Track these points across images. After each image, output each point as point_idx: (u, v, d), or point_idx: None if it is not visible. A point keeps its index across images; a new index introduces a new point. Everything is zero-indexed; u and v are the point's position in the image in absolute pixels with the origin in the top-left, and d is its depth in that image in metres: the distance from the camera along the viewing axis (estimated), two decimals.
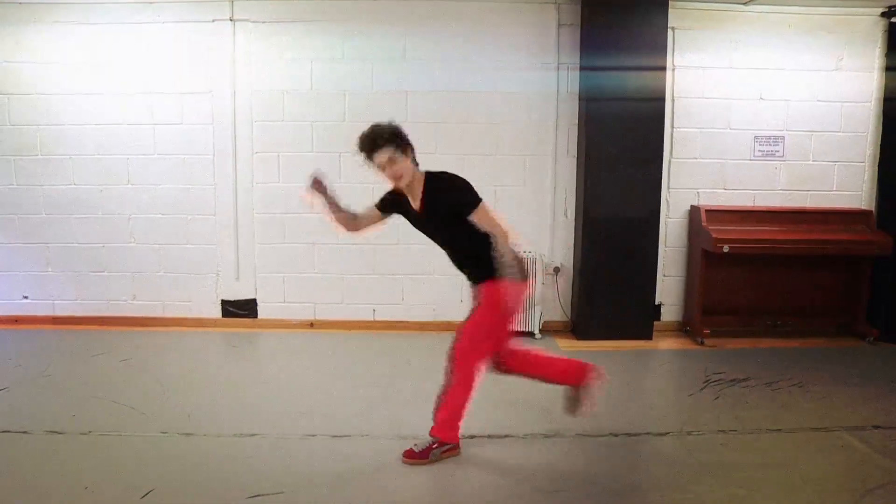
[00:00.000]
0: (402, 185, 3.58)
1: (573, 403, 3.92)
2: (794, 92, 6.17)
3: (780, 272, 6.13)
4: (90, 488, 3.33)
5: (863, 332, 6.08)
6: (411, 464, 3.64)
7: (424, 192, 3.61)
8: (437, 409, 3.72)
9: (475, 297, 3.72)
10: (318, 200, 3.76)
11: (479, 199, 3.54)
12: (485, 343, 3.67)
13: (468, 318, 3.70)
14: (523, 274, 3.62)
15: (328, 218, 3.83)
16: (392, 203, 3.79)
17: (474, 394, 3.68)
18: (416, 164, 3.65)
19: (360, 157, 3.58)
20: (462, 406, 3.69)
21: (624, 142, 5.79)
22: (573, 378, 3.90)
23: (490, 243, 3.52)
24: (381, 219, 3.88)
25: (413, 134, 6.08)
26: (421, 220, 3.71)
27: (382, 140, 3.51)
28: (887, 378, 5.11)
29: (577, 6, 5.98)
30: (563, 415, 4.27)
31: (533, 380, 3.95)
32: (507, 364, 3.85)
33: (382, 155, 3.51)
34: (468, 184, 3.58)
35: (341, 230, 3.87)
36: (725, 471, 3.60)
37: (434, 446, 3.69)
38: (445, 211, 3.58)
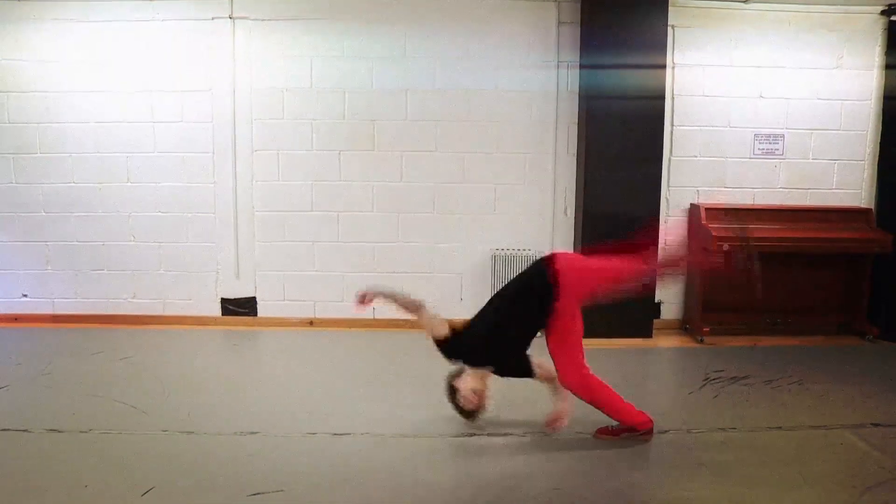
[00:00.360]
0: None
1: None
2: (793, 90, 6.17)
3: (780, 270, 6.12)
4: (90, 486, 3.33)
5: (863, 330, 6.08)
6: (601, 438, 3.91)
7: None
8: (618, 425, 3.94)
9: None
10: (377, 303, 4.04)
11: None
12: (575, 349, 3.88)
13: (555, 341, 3.88)
14: None
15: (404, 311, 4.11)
16: None
17: (609, 388, 3.90)
18: None
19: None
20: (618, 403, 3.91)
21: (624, 140, 5.79)
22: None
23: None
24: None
25: (413, 132, 6.17)
26: None
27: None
28: (887, 376, 5.11)
29: (577, 4, 5.98)
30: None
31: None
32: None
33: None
34: None
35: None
36: (725, 469, 3.60)
37: (624, 432, 3.91)
38: None
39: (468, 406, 3.91)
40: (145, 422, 4.12)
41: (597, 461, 3.70)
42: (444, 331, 3.94)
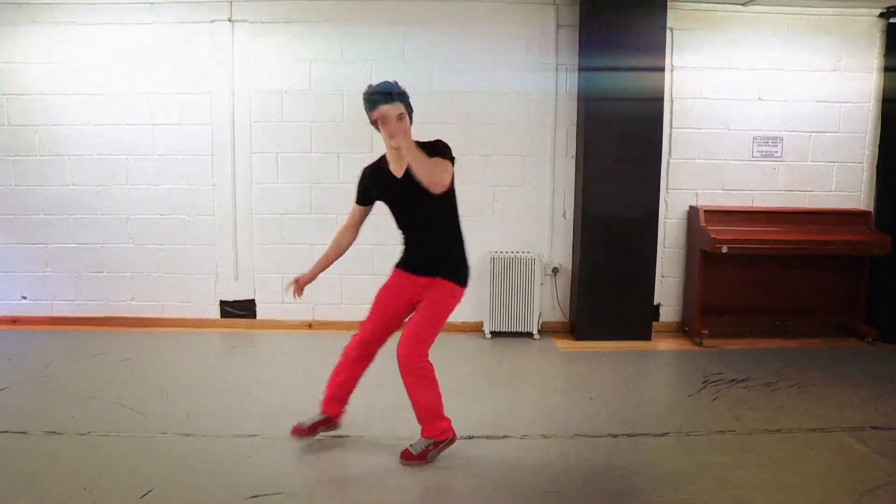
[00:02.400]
0: (402, 143, 3.41)
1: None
2: (792, 92, 6.17)
3: (779, 272, 6.14)
4: (89, 489, 3.33)
5: (862, 332, 6.08)
6: (409, 465, 3.64)
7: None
8: (418, 414, 3.71)
9: (413, 288, 3.69)
10: (309, 280, 3.95)
11: (453, 159, 3.51)
12: (430, 340, 3.64)
13: (414, 317, 3.66)
14: (467, 278, 3.72)
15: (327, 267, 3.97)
16: (372, 182, 3.73)
17: (438, 386, 3.69)
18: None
19: (369, 106, 3.55)
20: (434, 402, 3.69)
21: (623, 142, 5.80)
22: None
23: (451, 227, 3.65)
24: (365, 213, 3.84)
25: (412, 134, 6.11)
26: (402, 187, 3.58)
27: (398, 94, 3.51)
28: (886, 378, 5.11)
29: (576, 7, 5.99)
30: (560, 416, 4.29)
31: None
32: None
33: (397, 108, 3.48)
34: (447, 145, 3.54)
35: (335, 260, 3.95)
36: (724, 471, 3.60)
37: (430, 448, 3.68)
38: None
39: None
40: (144, 424, 4.12)
41: (595, 463, 3.70)
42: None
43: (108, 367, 5.20)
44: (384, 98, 3.48)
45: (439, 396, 3.70)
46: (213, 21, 5.98)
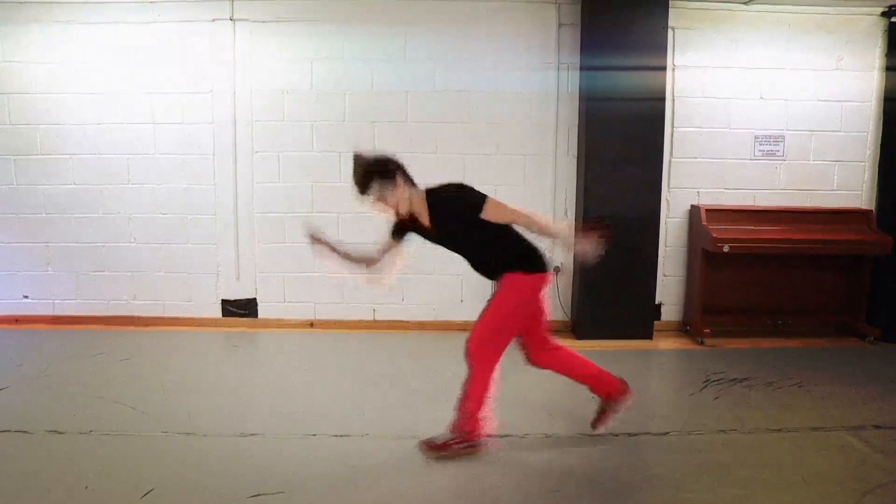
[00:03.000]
0: (403, 213, 3.59)
1: (599, 416, 3.95)
2: (794, 91, 6.17)
3: (781, 272, 6.13)
4: (90, 488, 3.33)
5: (863, 331, 6.08)
6: (430, 455, 3.68)
7: (430, 210, 3.60)
8: (460, 403, 3.72)
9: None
10: (324, 250, 3.81)
11: (484, 197, 3.55)
12: (500, 334, 3.67)
13: (484, 310, 3.70)
14: (543, 264, 3.68)
15: (342, 265, 3.85)
16: (403, 228, 3.78)
17: (493, 388, 3.71)
18: (412, 184, 3.64)
19: (355, 194, 3.58)
20: (481, 399, 3.68)
21: (624, 141, 5.79)
22: (603, 389, 3.93)
23: (504, 241, 3.63)
24: (398, 244, 3.84)
25: (413, 134, 6.16)
26: (435, 237, 3.71)
27: (368, 178, 3.53)
28: (887, 378, 5.11)
29: (577, 6, 5.99)
30: (561, 415, 4.29)
31: (568, 377, 3.95)
32: (537, 359, 3.89)
33: (372, 194, 3.54)
34: (467, 188, 3.61)
35: (362, 271, 3.88)
36: (726, 470, 3.60)
37: (455, 442, 3.69)
38: (456, 222, 3.59)
39: None
40: (146, 423, 4.12)
41: (596, 463, 3.70)
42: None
43: (109, 366, 5.21)
44: (358, 189, 3.55)
45: (486, 397, 3.70)
46: (214, 20, 5.98)
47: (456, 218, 3.58)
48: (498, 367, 3.70)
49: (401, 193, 3.56)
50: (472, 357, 3.66)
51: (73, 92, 6.06)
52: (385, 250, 3.84)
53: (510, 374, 4.87)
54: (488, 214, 3.52)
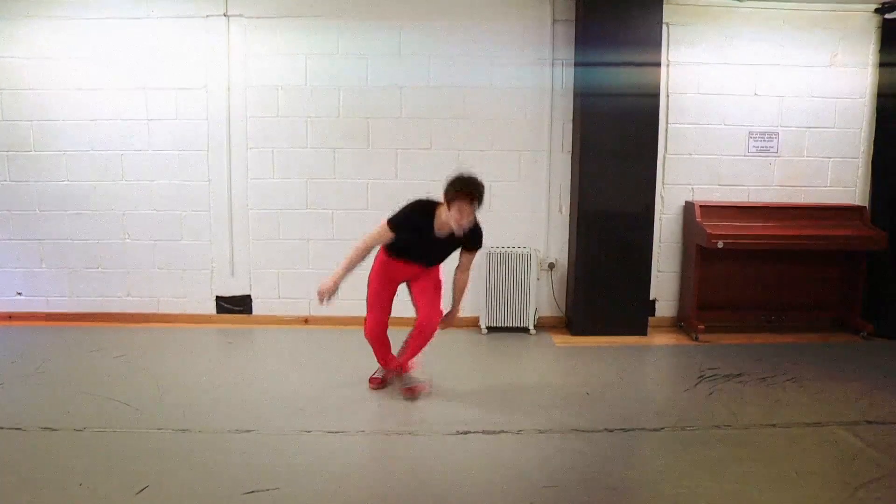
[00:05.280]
0: (458, 232, 4.20)
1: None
2: (788, 88, 6.17)
3: (775, 268, 6.15)
4: (85, 485, 3.32)
5: (857, 327, 6.09)
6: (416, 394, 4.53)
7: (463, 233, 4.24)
8: (409, 359, 4.59)
9: (407, 271, 4.48)
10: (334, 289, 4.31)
11: (481, 247, 4.46)
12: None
13: (429, 293, 4.46)
14: None
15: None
16: (414, 227, 4.24)
17: None
18: None
19: (455, 190, 4.08)
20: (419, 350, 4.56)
21: (619, 138, 5.79)
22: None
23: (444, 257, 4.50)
24: (388, 240, 4.33)
25: (408, 129, 6.17)
26: (437, 244, 4.31)
27: (481, 194, 4.16)
28: (881, 373, 5.12)
29: (572, 2, 5.98)
30: (556, 411, 4.30)
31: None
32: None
33: (475, 207, 4.15)
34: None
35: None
36: (720, 466, 3.61)
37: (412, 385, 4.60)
38: (462, 244, 4.36)
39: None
40: (140, 420, 4.12)
41: (592, 459, 3.71)
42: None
43: (103, 362, 5.20)
44: (474, 195, 4.12)
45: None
46: (207, 16, 5.96)
47: (465, 241, 4.33)
48: None
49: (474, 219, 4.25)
50: (433, 331, 4.46)
51: (66, 88, 6.03)
52: (379, 243, 4.39)
53: (507, 373, 4.89)
54: (471, 255, 4.46)
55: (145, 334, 5.95)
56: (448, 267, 4.53)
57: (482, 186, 4.16)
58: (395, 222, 4.23)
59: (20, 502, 3.17)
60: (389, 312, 4.58)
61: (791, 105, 6.19)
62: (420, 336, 4.46)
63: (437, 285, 4.53)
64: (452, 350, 5.54)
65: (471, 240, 4.35)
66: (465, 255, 4.43)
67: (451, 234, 4.23)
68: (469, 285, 4.59)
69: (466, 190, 4.08)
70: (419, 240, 4.28)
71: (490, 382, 4.93)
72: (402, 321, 4.63)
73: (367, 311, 4.56)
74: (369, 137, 6.11)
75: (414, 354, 4.56)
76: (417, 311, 4.50)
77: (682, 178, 6.23)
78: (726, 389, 4.74)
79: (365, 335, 4.57)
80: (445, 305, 4.54)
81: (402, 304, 4.59)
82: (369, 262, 4.48)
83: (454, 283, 4.52)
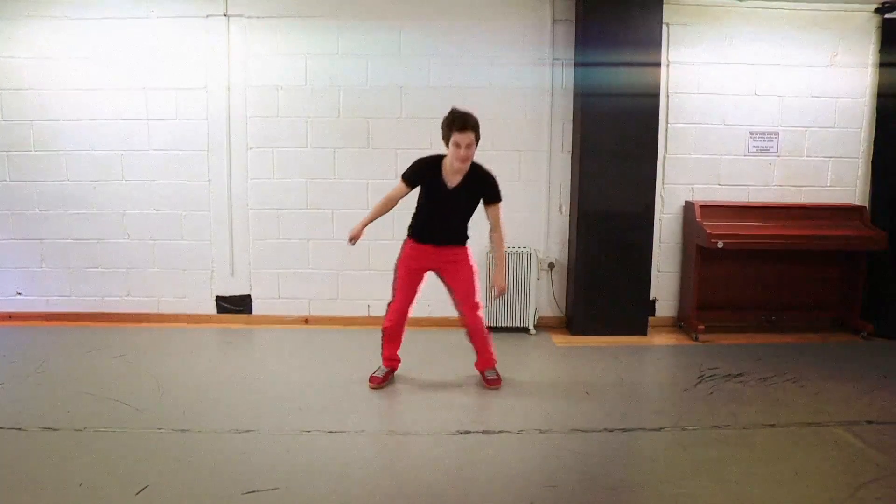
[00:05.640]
0: (462, 166, 4.30)
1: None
2: (788, 88, 6.18)
3: (775, 268, 6.15)
4: (85, 485, 3.32)
5: (857, 327, 6.10)
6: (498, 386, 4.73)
7: (467, 176, 4.38)
8: (486, 353, 4.79)
9: (446, 259, 4.56)
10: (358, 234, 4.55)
11: (501, 199, 4.50)
12: None
13: (464, 281, 4.58)
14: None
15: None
16: (424, 175, 4.45)
17: None
18: None
19: (447, 126, 4.27)
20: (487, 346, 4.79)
21: (619, 137, 5.79)
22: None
23: (467, 223, 4.58)
24: (407, 191, 4.52)
25: (408, 129, 6.17)
26: (450, 195, 4.41)
27: (474, 124, 4.28)
28: (881, 373, 5.13)
29: (572, 2, 5.98)
30: (556, 411, 4.30)
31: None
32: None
33: (470, 135, 4.25)
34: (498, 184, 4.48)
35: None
36: (720, 466, 3.61)
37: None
38: (476, 194, 4.45)
39: None
40: (140, 420, 4.12)
41: (592, 459, 3.71)
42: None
43: (103, 362, 5.19)
44: (462, 122, 4.23)
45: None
46: (207, 16, 5.96)
47: (478, 191, 4.44)
48: None
49: (473, 153, 4.34)
50: (479, 323, 4.67)
51: (66, 88, 6.03)
52: (398, 198, 4.53)
53: (506, 373, 4.89)
54: (494, 209, 4.50)
55: (145, 334, 5.95)
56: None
57: (473, 116, 4.28)
58: (407, 175, 4.48)
59: (20, 502, 3.17)
60: (412, 302, 4.66)
61: (791, 105, 6.20)
62: (475, 337, 4.74)
63: (470, 276, 4.59)
64: (452, 350, 5.53)
65: (485, 190, 4.44)
66: (490, 212, 4.51)
67: (464, 184, 4.37)
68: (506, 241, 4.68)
69: (459, 122, 4.22)
70: (434, 196, 4.43)
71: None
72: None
73: (392, 300, 4.69)
74: (369, 137, 6.11)
75: (487, 352, 4.78)
76: (458, 311, 4.70)
77: (682, 177, 6.23)
78: (726, 389, 4.75)
79: (383, 325, 4.75)
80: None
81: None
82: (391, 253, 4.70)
83: (492, 246, 4.69)
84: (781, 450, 3.81)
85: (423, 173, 4.46)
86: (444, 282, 4.67)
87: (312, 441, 3.87)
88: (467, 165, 4.33)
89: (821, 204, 6.19)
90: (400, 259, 4.64)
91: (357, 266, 6.22)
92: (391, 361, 4.82)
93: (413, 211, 4.62)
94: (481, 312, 4.68)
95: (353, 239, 4.53)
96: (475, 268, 4.62)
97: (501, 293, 4.63)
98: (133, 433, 3.94)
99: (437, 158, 4.46)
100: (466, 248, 4.60)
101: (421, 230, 4.57)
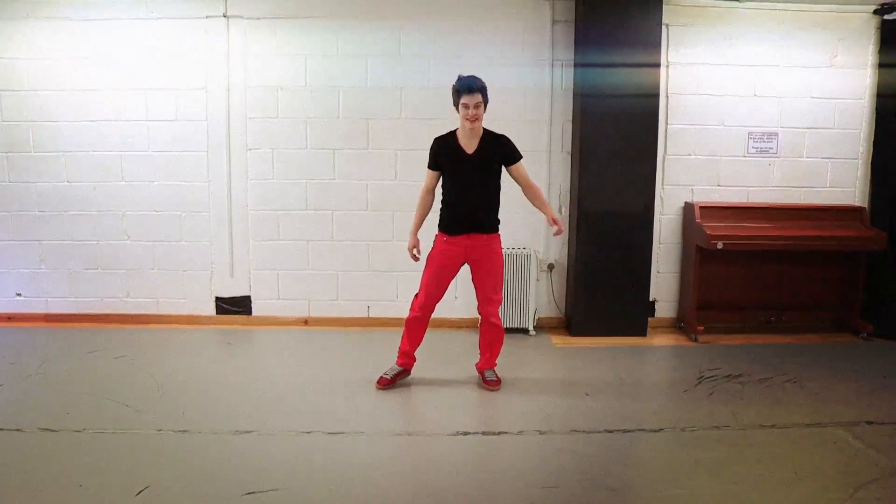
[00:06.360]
0: (474, 126, 4.37)
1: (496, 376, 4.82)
2: (787, 88, 6.18)
3: (775, 268, 6.15)
4: (84, 486, 3.32)
5: (857, 328, 6.10)
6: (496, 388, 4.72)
7: (483, 140, 4.45)
8: (489, 355, 4.78)
9: (479, 251, 4.52)
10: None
11: (520, 156, 4.55)
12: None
13: (492, 276, 4.58)
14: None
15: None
16: (442, 152, 4.53)
17: None
18: None
19: (455, 92, 4.36)
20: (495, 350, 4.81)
21: (618, 138, 5.79)
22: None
23: (497, 200, 4.58)
24: (438, 177, 4.60)
25: (408, 130, 6.16)
26: (470, 161, 4.45)
27: (481, 86, 4.35)
28: (881, 374, 5.13)
29: (572, 3, 5.99)
30: (556, 412, 4.30)
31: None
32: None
33: (477, 96, 4.32)
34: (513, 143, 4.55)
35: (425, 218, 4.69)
36: (720, 466, 3.61)
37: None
38: (495, 157, 4.48)
39: None
40: (140, 421, 4.12)
41: (592, 459, 3.71)
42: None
43: (103, 363, 5.19)
44: (470, 84, 4.31)
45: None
46: (207, 17, 5.96)
47: (496, 154, 4.48)
48: None
49: (482, 112, 4.38)
50: (498, 320, 4.70)
51: (65, 88, 6.03)
52: (433, 187, 4.61)
53: (506, 374, 4.89)
54: (517, 168, 4.53)
55: (145, 335, 5.95)
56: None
57: (479, 79, 4.36)
58: (430, 160, 4.59)
59: (20, 502, 3.17)
60: (439, 299, 4.67)
61: (790, 106, 6.20)
62: (490, 337, 4.75)
63: (499, 268, 4.63)
64: (452, 350, 5.54)
65: (503, 151, 4.49)
66: (515, 174, 4.55)
67: (480, 148, 4.43)
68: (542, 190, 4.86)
69: (465, 85, 4.31)
70: (456, 167, 4.47)
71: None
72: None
73: (419, 293, 4.68)
74: (369, 138, 6.11)
75: (492, 354, 4.80)
76: (480, 307, 4.67)
77: (682, 178, 6.23)
78: (726, 390, 4.75)
79: (408, 319, 4.71)
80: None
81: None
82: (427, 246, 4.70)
83: (531, 200, 4.66)
84: (781, 450, 3.81)
85: (441, 148, 4.54)
86: (472, 276, 4.65)
87: (312, 442, 3.87)
88: (478, 126, 4.39)
89: (820, 205, 6.19)
90: (431, 254, 4.62)
91: (357, 267, 6.22)
92: (406, 358, 4.77)
93: (440, 207, 4.65)
94: (501, 311, 4.72)
95: (414, 248, 4.64)
96: (502, 260, 4.66)
97: (561, 227, 4.60)
98: (133, 434, 3.94)
99: (450, 134, 4.55)
100: (498, 237, 4.60)
101: (451, 217, 4.54)
